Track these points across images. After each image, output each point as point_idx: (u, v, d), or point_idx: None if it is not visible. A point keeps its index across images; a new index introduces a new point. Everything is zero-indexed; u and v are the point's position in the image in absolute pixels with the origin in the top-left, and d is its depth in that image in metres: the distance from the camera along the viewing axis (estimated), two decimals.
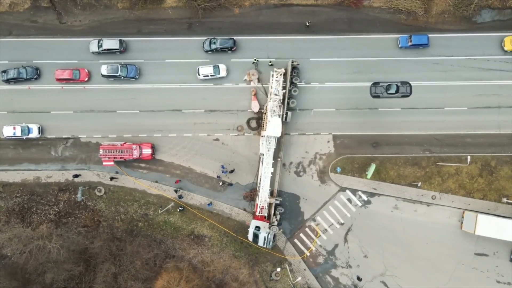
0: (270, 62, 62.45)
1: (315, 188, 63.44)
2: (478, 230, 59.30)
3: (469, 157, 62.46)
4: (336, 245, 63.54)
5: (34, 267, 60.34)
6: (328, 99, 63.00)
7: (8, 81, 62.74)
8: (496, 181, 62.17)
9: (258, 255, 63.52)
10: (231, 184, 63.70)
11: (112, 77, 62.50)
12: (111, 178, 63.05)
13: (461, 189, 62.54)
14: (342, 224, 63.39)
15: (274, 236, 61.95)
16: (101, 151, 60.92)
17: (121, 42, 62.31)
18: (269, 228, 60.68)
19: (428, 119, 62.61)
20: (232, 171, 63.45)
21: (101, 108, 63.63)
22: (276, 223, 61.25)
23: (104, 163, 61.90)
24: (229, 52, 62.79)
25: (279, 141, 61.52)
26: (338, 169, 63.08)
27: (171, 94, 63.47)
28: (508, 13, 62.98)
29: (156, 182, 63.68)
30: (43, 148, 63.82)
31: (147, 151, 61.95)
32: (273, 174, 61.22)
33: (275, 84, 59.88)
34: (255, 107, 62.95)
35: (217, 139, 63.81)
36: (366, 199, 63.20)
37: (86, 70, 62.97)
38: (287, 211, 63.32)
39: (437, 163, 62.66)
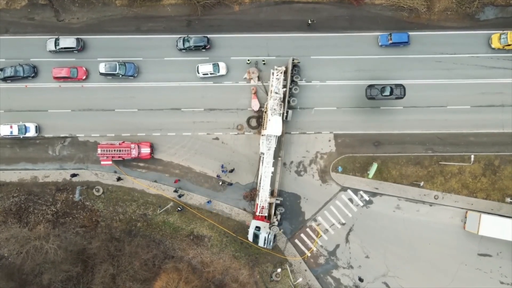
0: (263, 61, 62.05)
1: (316, 188, 62.93)
2: (482, 230, 58.88)
3: (472, 156, 61.97)
4: (338, 246, 63.08)
5: (31, 267, 59.97)
6: (329, 98, 62.55)
7: (5, 79, 62.23)
8: (499, 180, 61.72)
9: (258, 255, 63.08)
10: (231, 184, 63.16)
11: (110, 75, 61.91)
12: (118, 179, 62.48)
13: (464, 189, 62.06)
14: (343, 224, 62.93)
15: (275, 236, 61.55)
16: (99, 150, 60.42)
17: (78, 40, 61.65)
18: (270, 228, 60.24)
19: (430, 118, 62.10)
20: (232, 171, 62.89)
21: (99, 106, 63.08)
22: (276, 223, 60.76)
23: (102, 163, 61.34)
24: (203, 50, 62.24)
25: (279, 140, 60.99)
26: (340, 169, 62.56)
27: (170, 92, 62.93)
28: (511, 10, 62.48)
29: (155, 181, 63.20)
30: (40, 147, 63.30)
31: (145, 150, 61.41)
32: (274, 173, 60.71)
33: (276, 82, 59.35)
34: (255, 105, 62.42)
35: (216, 138, 63.28)
36: (367, 199, 62.69)
37: (84, 68, 62.44)
38: (288, 211, 62.83)
39: (440, 163, 62.15)
